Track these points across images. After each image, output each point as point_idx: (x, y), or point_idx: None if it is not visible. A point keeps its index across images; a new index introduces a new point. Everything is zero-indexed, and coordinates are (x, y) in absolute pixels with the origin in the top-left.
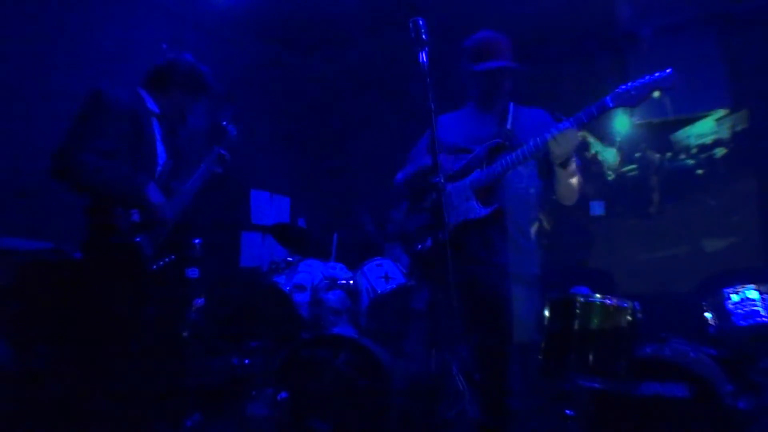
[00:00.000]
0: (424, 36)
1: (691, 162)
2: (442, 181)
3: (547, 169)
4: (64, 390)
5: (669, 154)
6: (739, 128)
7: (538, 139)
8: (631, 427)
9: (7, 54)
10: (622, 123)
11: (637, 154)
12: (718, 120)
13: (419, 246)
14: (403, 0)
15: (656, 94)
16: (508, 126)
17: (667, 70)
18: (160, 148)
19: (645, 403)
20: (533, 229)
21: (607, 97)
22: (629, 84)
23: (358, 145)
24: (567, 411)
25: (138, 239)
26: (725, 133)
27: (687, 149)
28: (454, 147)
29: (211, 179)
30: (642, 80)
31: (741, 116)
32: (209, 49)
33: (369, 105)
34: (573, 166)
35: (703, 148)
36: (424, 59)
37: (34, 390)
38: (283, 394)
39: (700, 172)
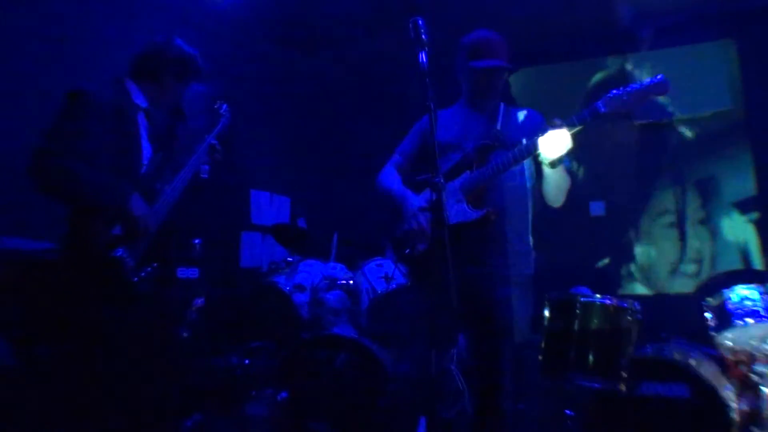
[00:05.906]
0: (423, 36)
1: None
2: (442, 181)
3: (536, 169)
4: (62, 391)
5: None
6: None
7: (532, 139)
8: (631, 427)
9: (5, 53)
10: None
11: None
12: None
13: (407, 250)
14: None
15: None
16: (498, 126)
17: (658, 77)
18: (145, 144)
19: (645, 403)
20: (526, 228)
21: (599, 102)
22: (621, 89)
23: (358, 144)
24: (567, 411)
25: (119, 253)
26: None
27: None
28: (444, 144)
29: (200, 179)
30: (634, 86)
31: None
32: (210, 48)
33: (369, 105)
34: (562, 167)
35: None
36: (424, 59)
37: (34, 391)
38: (283, 394)
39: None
